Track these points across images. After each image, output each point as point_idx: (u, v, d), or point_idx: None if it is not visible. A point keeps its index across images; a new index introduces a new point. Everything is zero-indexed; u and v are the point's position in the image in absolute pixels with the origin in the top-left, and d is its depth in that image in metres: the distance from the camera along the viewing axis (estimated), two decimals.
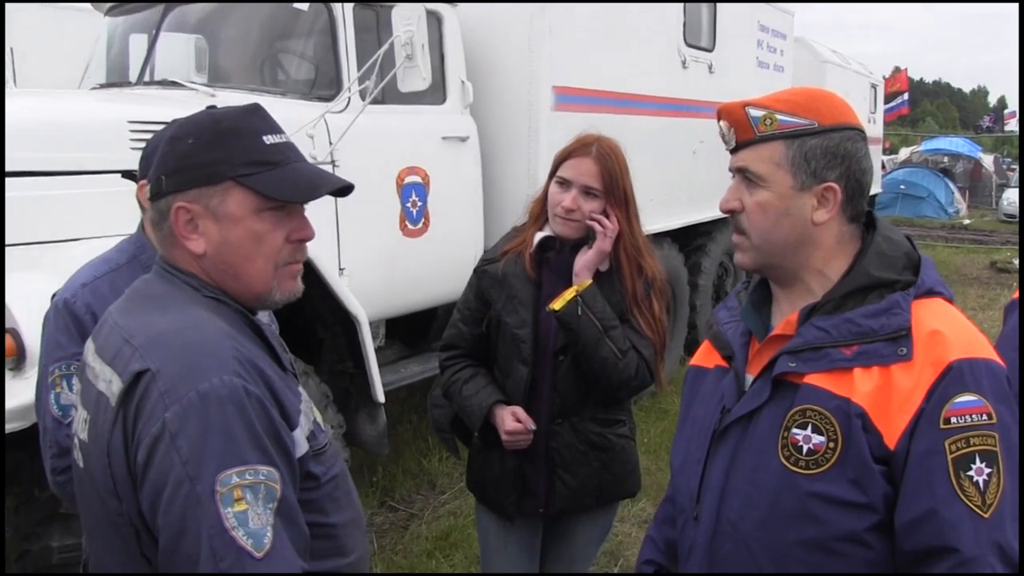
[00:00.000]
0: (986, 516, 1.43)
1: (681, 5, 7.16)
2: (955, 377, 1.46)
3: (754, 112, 1.63)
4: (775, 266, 1.68)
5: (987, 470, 1.44)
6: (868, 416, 1.48)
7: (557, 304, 2.62)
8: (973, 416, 1.45)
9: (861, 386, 1.50)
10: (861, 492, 1.49)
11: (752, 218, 1.64)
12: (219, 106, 1.69)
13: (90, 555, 1.64)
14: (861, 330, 1.53)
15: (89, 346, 1.61)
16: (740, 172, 1.66)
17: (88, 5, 5.93)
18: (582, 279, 2.66)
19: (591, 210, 2.66)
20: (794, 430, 1.54)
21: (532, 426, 2.69)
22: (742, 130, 1.65)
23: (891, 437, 1.47)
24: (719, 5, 7.79)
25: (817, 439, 1.52)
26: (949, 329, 1.51)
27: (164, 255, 1.62)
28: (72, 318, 2.28)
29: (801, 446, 1.53)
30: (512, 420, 2.69)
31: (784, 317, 1.67)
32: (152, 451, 1.36)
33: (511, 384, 2.76)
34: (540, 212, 2.80)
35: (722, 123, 1.67)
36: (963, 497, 1.44)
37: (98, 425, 1.46)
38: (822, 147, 1.60)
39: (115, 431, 1.41)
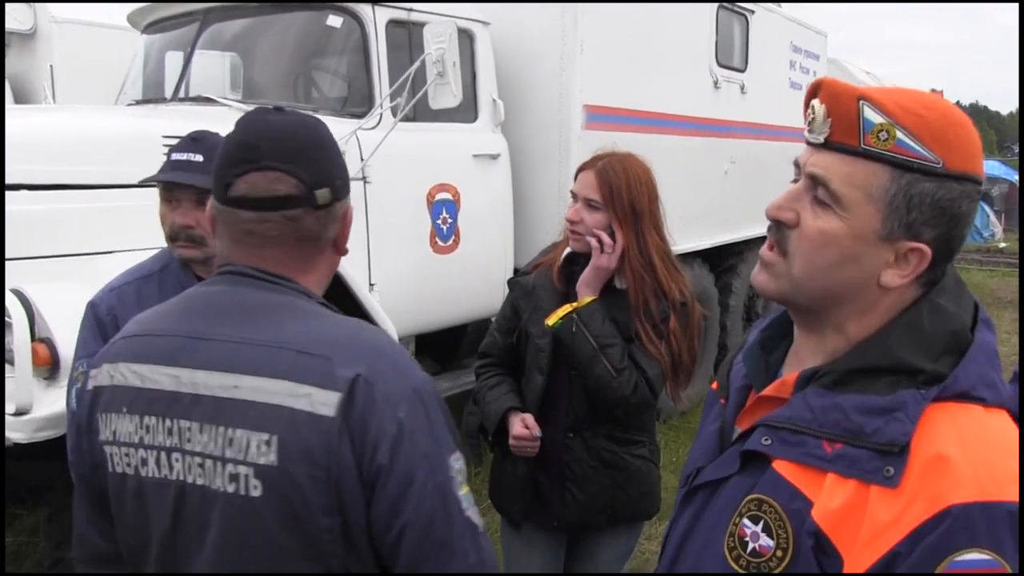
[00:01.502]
0: None
1: (713, 25, 7.16)
2: (961, 526, 1.07)
3: (871, 114, 1.20)
4: (804, 309, 1.32)
5: None
6: (828, 538, 1.15)
7: (551, 320, 2.65)
8: None
9: (828, 499, 1.17)
10: None
11: (806, 244, 1.26)
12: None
13: None
14: (851, 426, 1.18)
15: (193, 374, 1.45)
16: (813, 179, 1.26)
17: (125, 24, 6.03)
18: (582, 296, 2.68)
19: (594, 223, 2.66)
20: (745, 520, 1.25)
21: (537, 433, 2.70)
22: (844, 128, 1.23)
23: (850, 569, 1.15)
24: (752, 26, 7.79)
25: (765, 541, 1.22)
26: (966, 455, 1.11)
27: (260, 264, 1.53)
28: (96, 320, 2.42)
29: (747, 542, 1.25)
30: (520, 426, 2.71)
31: (796, 358, 1.37)
32: (395, 452, 1.39)
33: (529, 393, 2.79)
34: None
35: (817, 103, 1.26)
36: None
37: (303, 442, 1.37)
38: (935, 196, 1.20)
39: (343, 440, 1.38)
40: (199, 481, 1.42)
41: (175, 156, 2.47)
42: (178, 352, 1.47)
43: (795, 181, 1.30)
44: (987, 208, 26.81)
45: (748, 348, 1.47)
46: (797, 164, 1.30)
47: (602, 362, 2.60)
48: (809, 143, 1.28)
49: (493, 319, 3.00)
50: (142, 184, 2.65)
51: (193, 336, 1.47)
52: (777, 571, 1.20)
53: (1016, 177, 30.71)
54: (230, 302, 1.50)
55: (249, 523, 1.39)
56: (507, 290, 2.98)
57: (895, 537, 1.09)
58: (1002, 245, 24.28)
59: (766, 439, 1.26)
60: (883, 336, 1.23)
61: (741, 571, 1.24)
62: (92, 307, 2.46)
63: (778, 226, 1.29)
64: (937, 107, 1.22)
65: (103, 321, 2.39)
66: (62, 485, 3.30)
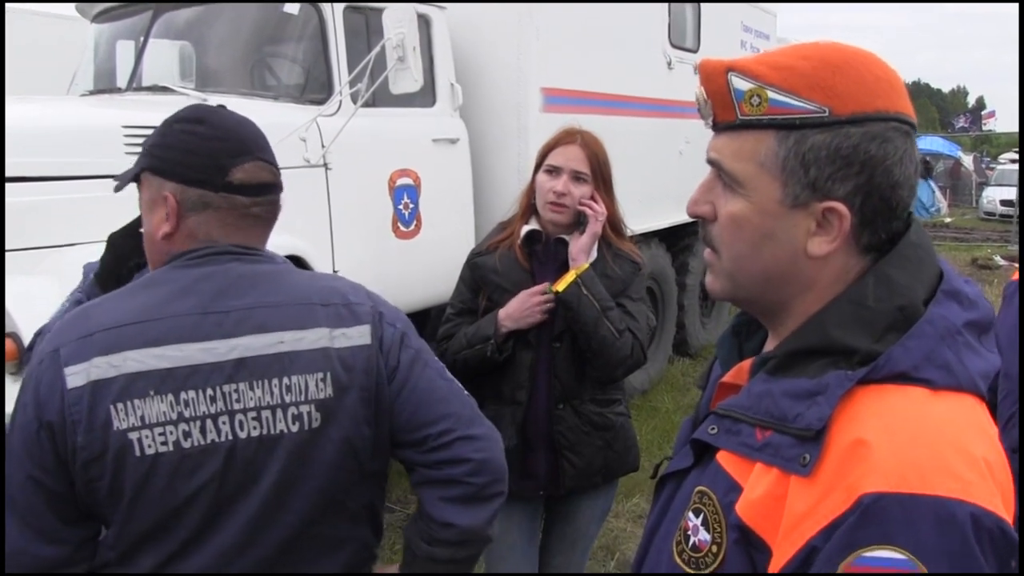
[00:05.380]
0: None
1: (666, 7, 7.22)
2: (872, 518, 0.94)
3: (739, 82, 1.12)
4: (750, 301, 1.22)
5: None
6: (753, 531, 1.06)
7: (560, 286, 2.71)
8: None
9: (751, 489, 1.08)
10: None
11: (724, 233, 1.17)
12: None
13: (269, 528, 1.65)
14: (778, 412, 1.08)
15: (229, 342, 1.61)
16: (711, 165, 1.19)
17: (71, 13, 5.94)
18: (579, 263, 2.74)
19: (581, 195, 2.76)
20: (690, 514, 1.16)
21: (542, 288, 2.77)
22: (722, 105, 1.15)
23: (774, 566, 1.03)
24: (703, 6, 7.87)
25: (703, 535, 1.13)
26: (889, 441, 0.98)
27: (258, 240, 1.77)
28: (83, 275, 2.45)
29: (689, 536, 1.15)
30: (526, 295, 2.76)
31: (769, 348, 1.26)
32: (401, 352, 1.75)
33: (514, 369, 2.81)
34: (528, 205, 2.89)
35: (697, 87, 1.18)
36: None
37: (351, 370, 1.69)
38: (830, 147, 1.08)
39: (378, 358, 1.72)
40: (254, 433, 1.61)
41: None
42: (197, 328, 1.60)
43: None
44: (932, 184, 27.34)
45: (722, 335, 1.37)
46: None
47: (605, 324, 2.70)
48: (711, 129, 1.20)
49: (448, 305, 3.00)
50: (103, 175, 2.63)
51: (211, 311, 1.62)
52: (713, 566, 1.10)
53: (959, 153, 31.31)
54: (238, 276, 1.67)
55: (311, 451, 1.65)
56: (465, 273, 3.00)
57: (811, 530, 0.98)
58: (947, 220, 24.81)
59: (713, 428, 1.19)
60: (821, 315, 1.12)
61: (683, 567, 1.15)
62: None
63: (703, 223, 1.21)
64: (817, 54, 1.11)
65: None
66: None
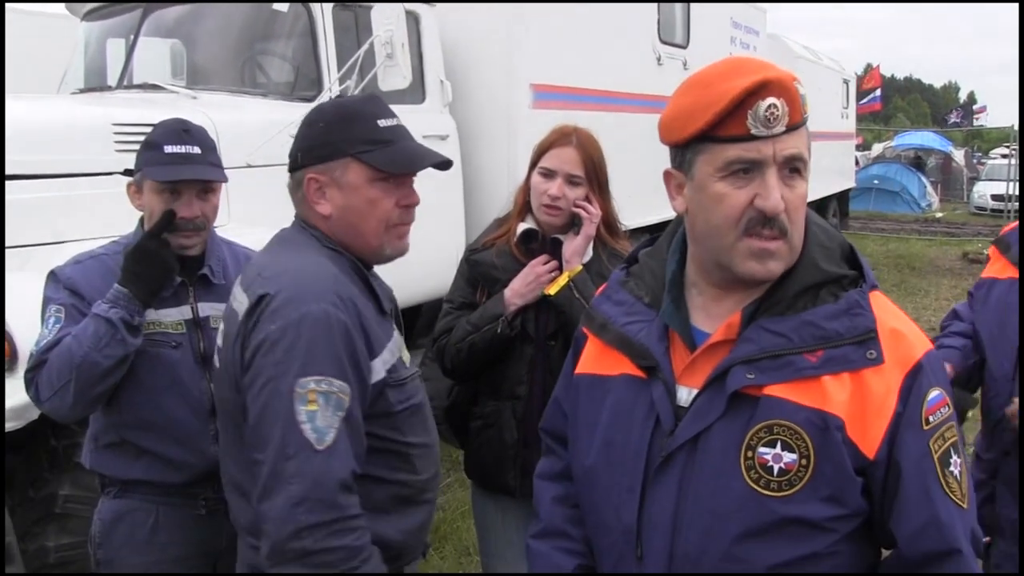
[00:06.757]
0: (965, 507, 1.43)
1: (655, 2, 7.24)
2: (924, 374, 1.41)
3: (801, 89, 1.41)
4: None
5: (959, 461, 1.43)
6: (845, 427, 1.38)
7: (552, 289, 2.70)
8: (942, 410, 1.42)
9: (835, 395, 1.38)
10: (839, 506, 1.39)
11: (797, 213, 1.43)
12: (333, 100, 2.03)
13: (220, 439, 2.10)
14: (825, 334, 1.41)
15: (239, 279, 2.02)
16: (792, 159, 1.41)
17: (61, 11, 5.93)
18: (573, 265, 2.72)
19: (575, 198, 2.73)
20: (761, 449, 1.39)
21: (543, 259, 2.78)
22: (797, 110, 1.40)
23: (869, 446, 1.38)
24: (692, 2, 7.88)
25: (788, 457, 1.38)
26: (904, 325, 1.46)
27: (300, 214, 2.01)
28: (56, 283, 2.50)
29: (771, 466, 1.39)
30: (529, 268, 2.75)
31: (709, 315, 1.52)
32: (255, 353, 1.77)
33: (513, 365, 2.80)
34: (523, 203, 2.86)
35: (775, 100, 1.37)
36: (951, 495, 1.41)
37: (229, 334, 1.88)
38: None
39: (238, 338, 1.82)
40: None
41: (169, 149, 2.40)
42: (246, 267, 2.06)
43: (740, 175, 1.40)
44: (923, 179, 27.38)
45: (666, 311, 1.54)
46: (746, 162, 1.39)
47: None
48: (763, 137, 1.37)
49: (444, 301, 2.98)
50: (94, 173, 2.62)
51: (253, 258, 2.12)
52: (807, 477, 1.38)
53: (951, 148, 31.35)
54: (281, 237, 2.02)
55: (220, 389, 1.97)
56: (463, 269, 2.98)
57: (893, 400, 1.39)
58: (939, 215, 24.88)
59: (749, 374, 1.42)
60: (808, 260, 1.47)
61: (774, 495, 1.39)
62: (53, 273, 2.54)
63: (769, 220, 1.40)
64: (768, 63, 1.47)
65: (63, 286, 2.50)
66: (24, 478, 3.28)
